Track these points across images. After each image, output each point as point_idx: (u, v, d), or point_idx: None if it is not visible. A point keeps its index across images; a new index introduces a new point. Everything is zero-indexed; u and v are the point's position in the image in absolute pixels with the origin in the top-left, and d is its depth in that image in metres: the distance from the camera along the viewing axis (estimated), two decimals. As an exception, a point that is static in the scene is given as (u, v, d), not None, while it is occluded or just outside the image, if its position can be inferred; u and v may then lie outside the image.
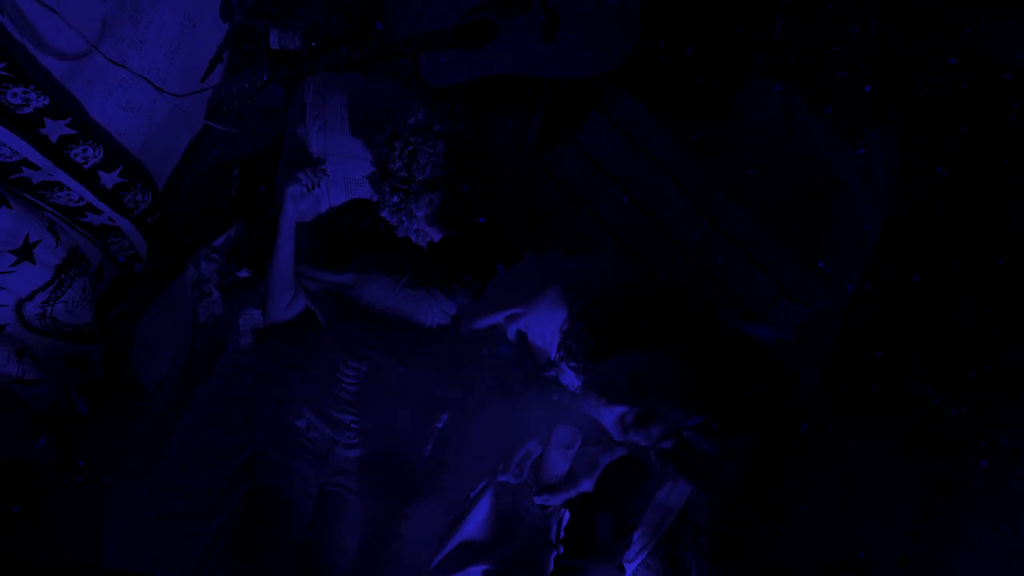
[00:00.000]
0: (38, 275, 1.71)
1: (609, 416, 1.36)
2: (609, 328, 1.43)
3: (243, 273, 2.03)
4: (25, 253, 1.67)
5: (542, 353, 1.58)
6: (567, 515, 1.64)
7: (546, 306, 1.56)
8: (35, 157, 1.63)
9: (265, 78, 1.94)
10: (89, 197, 1.80)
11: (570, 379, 1.54)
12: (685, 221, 1.78)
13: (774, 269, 1.76)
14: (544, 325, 1.58)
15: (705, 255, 1.78)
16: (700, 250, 1.78)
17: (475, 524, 1.78)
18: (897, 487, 1.88)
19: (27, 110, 1.57)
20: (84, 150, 1.73)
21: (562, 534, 1.59)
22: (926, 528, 1.82)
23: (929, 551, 1.80)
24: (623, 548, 1.54)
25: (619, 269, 1.66)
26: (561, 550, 1.55)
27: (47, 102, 1.59)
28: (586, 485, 1.49)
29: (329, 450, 1.71)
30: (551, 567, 1.73)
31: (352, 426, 1.71)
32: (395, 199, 1.76)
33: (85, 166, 1.76)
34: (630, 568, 1.72)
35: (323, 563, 1.62)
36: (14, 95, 1.52)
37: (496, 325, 1.63)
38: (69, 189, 1.75)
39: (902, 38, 2.09)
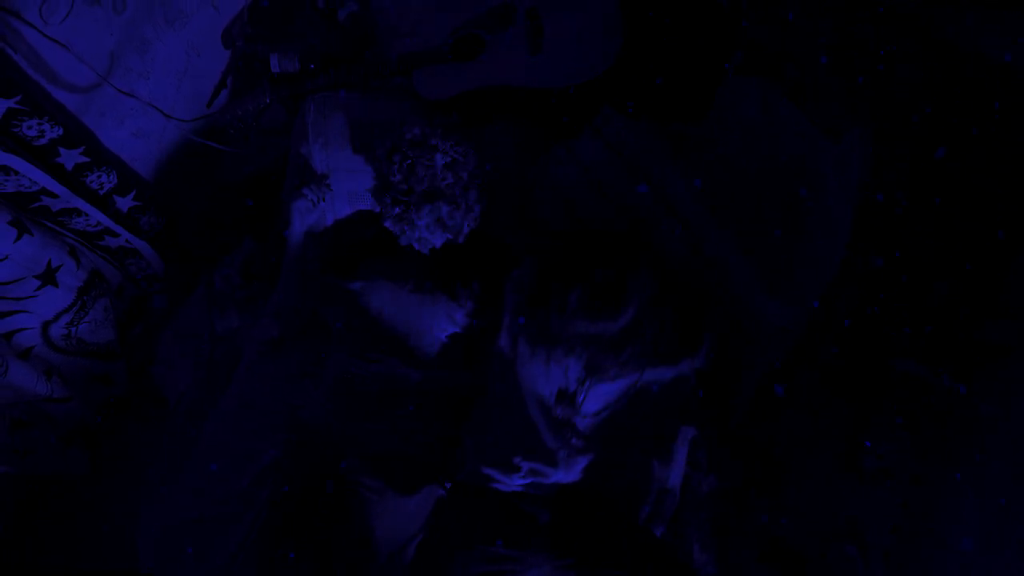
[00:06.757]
0: (62, 298, 1.77)
1: None
2: None
3: (256, 286, 2.06)
4: (48, 277, 1.72)
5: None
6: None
7: None
8: (53, 186, 1.69)
9: (268, 100, 1.96)
10: (106, 221, 1.85)
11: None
12: (672, 237, 1.84)
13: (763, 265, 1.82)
14: None
15: (691, 269, 1.85)
16: (686, 262, 1.84)
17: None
18: (887, 459, 1.94)
19: (43, 141, 1.62)
20: (99, 176, 1.78)
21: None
22: (916, 497, 1.89)
23: (919, 519, 1.87)
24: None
25: None
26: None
27: (61, 132, 1.64)
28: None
29: (345, 450, 1.76)
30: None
31: (366, 426, 1.77)
32: (396, 210, 1.80)
33: (101, 192, 1.81)
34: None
35: (344, 560, 1.65)
36: (30, 127, 1.57)
37: None
38: (87, 215, 1.80)
39: (876, 33, 2.14)
